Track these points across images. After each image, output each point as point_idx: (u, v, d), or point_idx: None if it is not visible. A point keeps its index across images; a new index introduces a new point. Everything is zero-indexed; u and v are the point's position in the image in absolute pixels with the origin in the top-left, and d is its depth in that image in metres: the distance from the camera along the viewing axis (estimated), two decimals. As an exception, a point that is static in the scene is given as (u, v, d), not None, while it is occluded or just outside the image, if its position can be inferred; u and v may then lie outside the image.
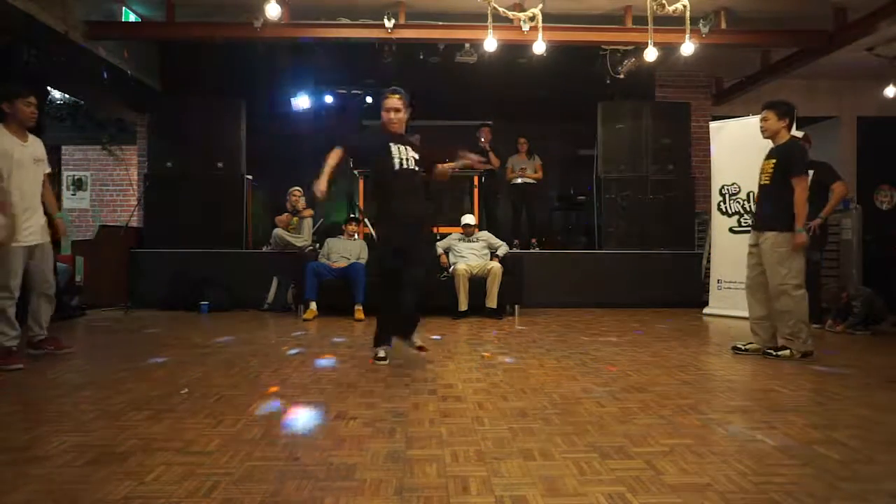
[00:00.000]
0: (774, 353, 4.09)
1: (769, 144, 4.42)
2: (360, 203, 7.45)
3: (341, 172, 3.92)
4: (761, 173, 4.21)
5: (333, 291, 6.14)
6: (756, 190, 4.35)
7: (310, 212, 7.26)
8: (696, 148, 8.04)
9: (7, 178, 3.67)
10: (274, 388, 3.20)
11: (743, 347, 4.29)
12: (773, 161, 4.10)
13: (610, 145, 7.76)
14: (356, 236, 6.73)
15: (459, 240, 6.54)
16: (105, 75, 6.83)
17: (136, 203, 7.92)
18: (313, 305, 6.03)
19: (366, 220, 7.38)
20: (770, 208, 4.08)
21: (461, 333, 5.25)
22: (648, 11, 4.93)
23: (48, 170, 4.05)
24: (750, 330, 4.31)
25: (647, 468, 2.08)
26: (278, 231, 7.01)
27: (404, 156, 3.81)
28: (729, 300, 6.48)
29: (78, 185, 10.26)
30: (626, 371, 3.67)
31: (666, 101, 8.40)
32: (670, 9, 4.87)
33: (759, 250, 4.14)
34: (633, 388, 3.24)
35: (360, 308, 6.02)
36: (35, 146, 3.91)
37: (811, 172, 5.47)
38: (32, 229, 3.80)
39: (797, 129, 5.88)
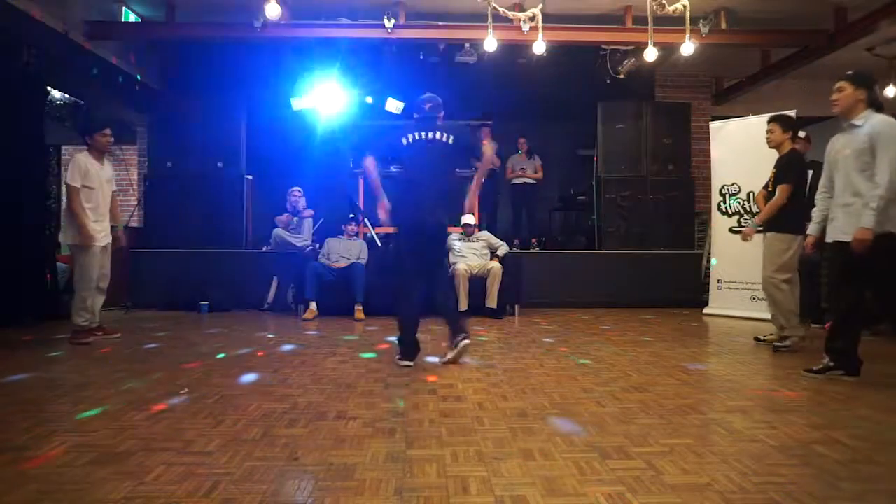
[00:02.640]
0: (783, 346, 4.38)
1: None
2: (360, 203, 7.45)
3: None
4: (770, 181, 4.55)
5: (333, 291, 6.14)
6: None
7: (310, 212, 7.26)
8: (696, 148, 8.04)
9: (92, 191, 4.57)
10: (274, 389, 3.20)
11: (763, 338, 4.65)
12: (774, 171, 4.47)
13: (610, 145, 7.76)
14: (356, 236, 6.73)
15: (459, 240, 6.54)
16: (121, 79, 6.87)
17: (136, 203, 7.92)
18: (313, 305, 6.03)
19: (365, 220, 7.38)
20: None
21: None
22: (648, 11, 4.94)
23: (115, 188, 4.96)
24: (772, 321, 4.63)
25: (647, 468, 2.08)
26: (278, 231, 7.01)
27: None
28: (729, 300, 6.48)
29: (78, 185, 10.24)
30: (626, 371, 3.67)
31: (666, 101, 8.39)
32: (670, 9, 4.88)
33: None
34: (633, 388, 3.24)
35: (360, 308, 6.02)
36: (108, 169, 4.80)
37: (810, 173, 5.53)
38: (104, 233, 4.67)
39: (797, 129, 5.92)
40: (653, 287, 7.22)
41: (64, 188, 4.69)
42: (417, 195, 3.77)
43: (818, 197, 3.69)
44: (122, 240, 4.99)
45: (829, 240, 3.55)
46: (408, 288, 3.86)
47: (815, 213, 3.70)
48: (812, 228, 3.73)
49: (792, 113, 6.07)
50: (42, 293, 5.84)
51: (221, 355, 4.13)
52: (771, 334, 4.63)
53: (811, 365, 3.56)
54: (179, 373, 3.57)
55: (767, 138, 4.53)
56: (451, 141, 3.81)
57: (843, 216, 3.45)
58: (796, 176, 4.40)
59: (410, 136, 3.84)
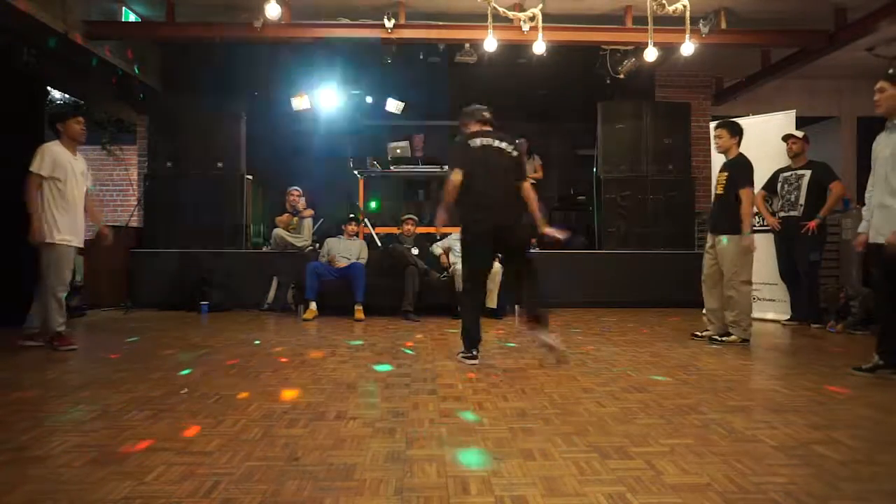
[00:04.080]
0: (720, 339, 4.64)
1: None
2: (360, 203, 7.46)
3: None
4: (717, 184, 4.79)
5: (333, 291, 6.15)
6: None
7: (310, 212, 7.26)
8: (696, 148, 8.04)
9: (64, 184, 4.26)
10: (274, 389, 3.20)
11: (700, 334, 4.87)
12: (726, 174, 4.65)
13: (610, 145, 7.76)
14: (356, 236, 6.73)
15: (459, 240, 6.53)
16: (120, 75, 6.88)
17: (136, 203, 7.92)
18: (313, 305, 6.03)
19: (365, 220, 7.38)
20: (725, 215, 4.62)
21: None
22: (648, 11, 4.93)
23: (89, 183, 4.56)
24: (705, 319, 4.91)
25: (647, 468, 2.08)
26: (278, 231, 7.01)
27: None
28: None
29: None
30: (626, 371, 3.67)
31: (666, 101, 8.38)
32: (670, 9, 4.87)
33: (714, 251, 4.71)
34: (633, 388, 3.24)
35: (360, 308, 6.02)
36: (81, 162, 4.46)
37: (809, 172, 5.57)
38: (80, 233, 4.38)
39: (797, 128, 5.94)
40: (653, 287, 7.21)
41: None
42: (480, 196, 3.86)
43: (867, 195, 3.69)
44: (109, 237, 4.65)
45: (870, 241, 3.56)
46: (471, 286, 4.01)
47: (865, 212, 3.70)
48: (862, 226, 3.71)
49: (792, 113, 6.11)
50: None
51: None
52: (706, 330, 4.85)
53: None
54: (179, 373, 3.57)
55: (716, 143, 4.77)
56: (514, 154, 3.94)
57: (879, 217, 3.44)
58: (751, 179, 4.62)
59: (479, 141, 3.94)
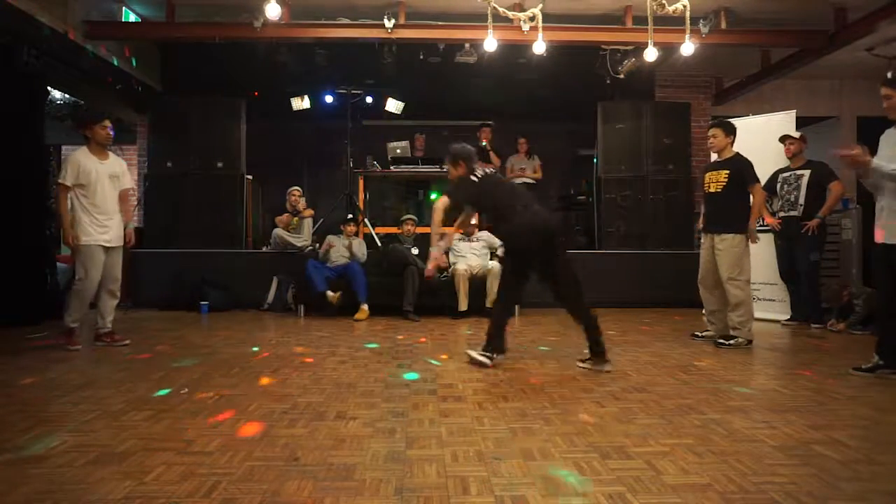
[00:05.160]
0: (727, 343, 4.51)
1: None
2: (360, 203, 7.45)
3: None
4: (710, 183, 4.71)
5: (333, 291, 6.14)
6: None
7: (310, 212, 7.26)
8: (696, 148, 8.04)
9: (88, 189, 4.35)
10: (274, 389, 3.20)
11: (700, 335, 4.88)
12: (726, 172, 4.61)
13: (610, 145, 7.76)
14: (355, 236, 6.73)
15: (459, 240, 6.53)
16: (118, 72, 6.87)
17: (136, 203, 7.92)
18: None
19: (365, 220, 7.38)
20: (727, 213, 4.58)
21: (461, 333, 5.24)
22: (648, 11, 4.92)
23: (128, 185, 4.69)
24: (706, 321, 4.90)
25: (647, 468, 2.08)
26: (278, 231, 7.01)
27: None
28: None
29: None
30: (626, 371, 3.67)
31: (666, 101, 8.38)
32: (670, 9, 4.87)
33: (714, 251, 4.63)
34: (633, 388, 3.24)
35: (365, 308, 6.02)
36: (113, 164, 4.56)
37: (808, 172, 5.58)
38: (110, 233, 4.44)
39: (797, 128, 5.94)
40: (653, 287, 7.20)
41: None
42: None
43: None
44: (130, 238, 4.68)
45: (876, 241, 3.56)
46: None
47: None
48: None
49: (792, 113, 6.11)
50: (42, 293, 5.84)
51: (220, 355, 4.13)
52: (707, 331, 4.85)
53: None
54: (180, 373, 3.57)
55: (710, 143, 4.79)
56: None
57: (887, 217, 3.46)
58: (756, 175, 4.59)
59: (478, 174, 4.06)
